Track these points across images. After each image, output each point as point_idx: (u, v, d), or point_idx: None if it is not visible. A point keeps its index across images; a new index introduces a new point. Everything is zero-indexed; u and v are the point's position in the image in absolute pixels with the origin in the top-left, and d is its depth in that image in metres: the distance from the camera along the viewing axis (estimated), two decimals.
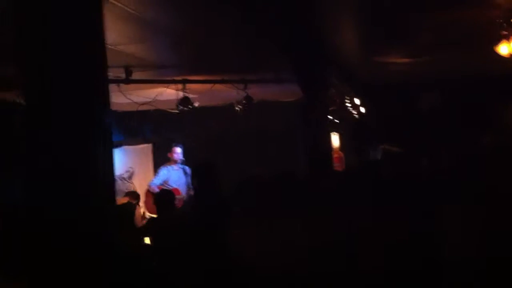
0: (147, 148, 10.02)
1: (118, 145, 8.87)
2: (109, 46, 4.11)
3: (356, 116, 9.51)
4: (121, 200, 7.52)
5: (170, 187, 7.83)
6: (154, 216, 7.74)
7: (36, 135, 2.74)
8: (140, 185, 9.35)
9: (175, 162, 8.10)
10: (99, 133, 2.81)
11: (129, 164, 9.67)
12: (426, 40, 6.38)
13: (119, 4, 4.21)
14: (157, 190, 7.89)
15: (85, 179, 2.74)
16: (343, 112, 9.06)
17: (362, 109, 9.40)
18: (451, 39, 6.32)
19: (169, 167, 8.17)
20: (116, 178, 8.94)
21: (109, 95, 2.97)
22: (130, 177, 9.78)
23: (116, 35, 4.86)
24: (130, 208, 7.27)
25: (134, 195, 7.59)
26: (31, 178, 2.78)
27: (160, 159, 9.02)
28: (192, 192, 7.58)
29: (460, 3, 5.22)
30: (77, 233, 2.65)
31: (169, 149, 8.30)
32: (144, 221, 7.77)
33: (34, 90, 2.71)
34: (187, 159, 8.09)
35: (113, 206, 2.96)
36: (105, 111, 2.88)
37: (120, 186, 9.12)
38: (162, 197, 6.09)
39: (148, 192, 8.14)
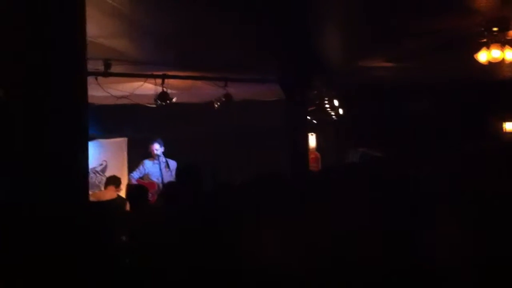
0: (122, 142, 9.90)
1: (92, 138, 8.75)
2: (89, 39, 4.02)
3: (334, 117, 9.54)
4: (105, 191, 7.43)
5: (149, 180, 7.85)
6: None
7: (11, 126, 2.67)
8: None
9: (154, 157, 8.08)
10: (76, 126, 2.76)
11: (103, 158, 9.56)
12: (410, 46, 6.41)
13: None
14: (135, 183, 7.88)
15: (60, 171, 2.69)
16: (321, 113, 9.09)
17: (341, 111, 9.44)
18: (435, 45, 6.36)
19: (148, 161, 8.17)
20: (90, 171, 8.86)
21: (87, 87, 2.92)
22: (103, 170, 9.67)
23: (96, 27, 4.76)
24: (121, 203, 7.21)
25: (116, 180, 7.51)
26: (4, 172, 2.72)
27: (135, 153, 8.94)
28: (162, 187, 7.58)
29: (444, 10, 5.25)
30: (50, 228, 2.59)
31: (145, 144, 8.25)
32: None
33: (11, 81, 2.64)
34: (168, 154, 8.06)
35: (104, 202, 2.90)
36: (83, 104, 2.83)
37: (93, 179, 9.04)
38: (134, 193, 6.04)
39: (129, 185, 8.11)
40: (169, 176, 7.83)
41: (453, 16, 5.41)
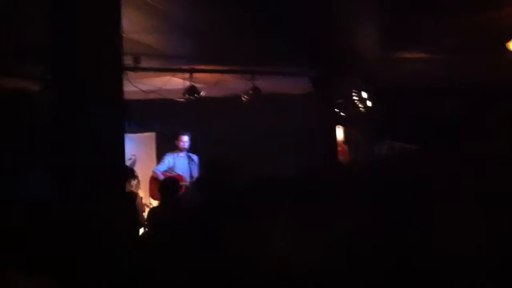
0: (150, 136, 9.98)
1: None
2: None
3: (363, 110, 9.45)
4: None
5: (174, 173, 7.83)
6: (156, 203, 7.75)
7: (50, 123, 2.71)
8: (142, 173, 9.32)
9: (181, 150, 8.10)
10: (113, 119, 2.79)
11: (132, 152, 9.63)
12: (443, 41, 6.32)
13: None
14: (161, 176, 7.91)
15: (97, 166, 2.72)
16: (349, 106, 9.01)
17: (369, 103, 9.34)
18: (470, 41, 6.26)
19: (174, 154, 8.19)
20: None
21: (122, 82, 2.95)
22: (132, 165, 9.74)
23: (126, 22, 4.78)
24: (130, 197, 7.24)
25: (131, 172, 7.52)
26: (42, 167, 2.76)
27: (164, 147, 8.99)
28: (195, 180, 7.61)
29: (481, 4, 5.16)
30: (89, 222, 2.62)
31: (173, 138, 8.29)
32: (147, 208, 7.78)
33: (52, 78, 2.67)
34: (193, 148, 8.07)
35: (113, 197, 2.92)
36: (119, 99, 2.85)
37: None
38: (168, 185, 6.08)
39: (152, 179, 8.17)
40: (194, 170, 7.87)
41: (489, 6, 5.31)
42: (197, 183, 7.34)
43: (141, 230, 5.98)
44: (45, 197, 2.79)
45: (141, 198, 7.97)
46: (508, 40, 5.99)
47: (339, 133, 9.75)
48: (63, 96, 2.63)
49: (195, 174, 7.86)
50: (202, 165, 7.69)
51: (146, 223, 6.20)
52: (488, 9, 5.35)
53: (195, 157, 8.00)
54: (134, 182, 8.43)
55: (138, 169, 9.54)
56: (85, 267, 2.53)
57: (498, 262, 2.89)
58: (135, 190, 7.39)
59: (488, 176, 3.62)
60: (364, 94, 8.89)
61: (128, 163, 9.68)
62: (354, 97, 8.73)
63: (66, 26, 2.59)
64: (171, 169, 8.14)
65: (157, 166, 8.35)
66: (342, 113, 9.19)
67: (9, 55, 4.25)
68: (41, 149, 2.85)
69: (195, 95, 7.38)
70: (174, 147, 8.26)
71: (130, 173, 7.54)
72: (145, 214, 7.72)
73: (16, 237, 2.44)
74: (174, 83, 7.41)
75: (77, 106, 2.64)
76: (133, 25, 4.89)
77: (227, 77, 7.61)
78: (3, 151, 5.78)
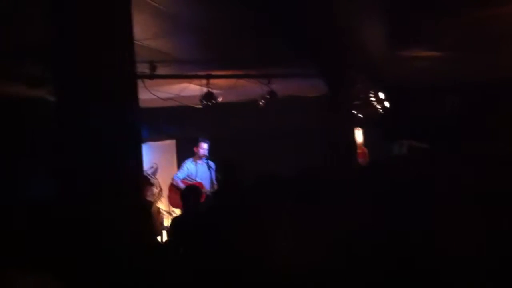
0: (171, 144, 10.06)
1: (143, 141, 8.90)
2: (135, 41, 4.10)
3: (381, 111, 9.39)
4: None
5: (193, 181, 7.87)
6: (177, 210, 7.79)
7: (64, 131, 2.74)
8: (163, 181, 9.40)
9: (200, 157, 8.14)
10: (129, 130, 2.81)
11: (153, 160, 9.72)
12: (455, 39, 6.28)
13: None
14: (180, 183, 7.96)
15: (115, 175, 2.74)
16: (367, 107, 8.96)
17: (387, 104, 9.29)
18: (481, 39, 6.21)
19: (193, 161, 8.23)
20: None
21: (138, 91, 2.98)
22: (154, 173, 9.82)
23: (141, 29, 4.85)
24: (145, 206, 7.29)
25: (146, 180, 7.57)
26: (57, 173, 2.78)
27: (184, 155, 9.05)
28: (216, 187, 7.63)
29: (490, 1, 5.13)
30: (103, 229, 2.64)
31: (193, 145, 8.34)
32: (162, 215, 7.83)
33: (63, 86, 2.71)
34: (211, 155, 8.11)
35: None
36: (134, 107, 2.88)
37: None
38: (190, 192, 6.06)
39: (172, 186, 8.22)
40: (212, 177, 7.87)
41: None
42: (216, 189, 7.39)
43: (160, 239, 5.99)
44: (51, 199, 2.83)
45: (158, 207, 8.05)
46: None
47: (359, 135, 9.71)
48: (74, 100, 2.67)
49: (213, 181, 7.87)
50: (217, 168, 7.72)
51: (168, 231, 6.21)
52: (490, 6, 5.31)
53: (212, 164, 8.03)
54: (155, 191, 8.52)
55: (159, 177, 9.66)
56: (87, 269, 2.56)
57: (499, 262, 2.87)
58: (151, 199, 7.47)
59: (491, 176, 3.59)
60: (382, 95, 8.85)
61: (149, 171, 9.81)
62: (372, 98, 8.69)
63: (74, 30, 2.64)
64: (190, 176, 8.17)
65: (176, 173, 8.39)
66: (360, 115, 9.16)
67: (11, 57, 4.33)
68: (48, 153, 2.89)
69: (212, 101, 7.44)
70: (193, 154, 8.31)
71: (146, 181, 7.62)
72: (164, 222, 7.83)
73: (18, 239, 2.48)
74: (191, 89, 7.48)
75: (87, 111, 2.67)
76: (145, 32, 4.96)
77: (243, 81, 7.65)
78: (8, 153, 5.89)
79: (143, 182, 7.50)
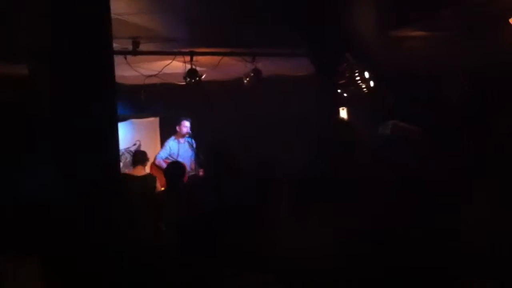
0: (154, 121, 9.96)
1: (125, 118, 8.81)
2: (116, 16, 3.99)
3: (366, 90, 9.36)
4: (134, 170, 7.46)
5: (174, 159, 7.79)
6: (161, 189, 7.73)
7: (40, 107, 2.68)
8: None
9: (183, 135, 8.07)
10: (104, 107, 2.75)
11: (136, 138, 9.64)
12: (448, 19, 6.23)
13: None
14: (163, 163, 7.87)
15: (90, 154, 2.69)
16: (352, 86, 8.92)
17: (372, 83, 9.25)
18: (475, 22, 6.16)
19: (175, 140, 8.15)
20: (124, 151, 8.94)
21: (114, 67, 2.90)
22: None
23: (124, 4, 4.74)
24: (151, 180, 7.22)
25: (143, 157, 7.51)
26: (35, 155, 2.73)
27: (167, 132, 8.97)
28: (195, 166, 7.55)
29: None
30: (83, 209, 2.60)
31: (176, 123, 8.25)
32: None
33: (40, 60, 2.63)
34: (194, 133, 8.04)
35: (135, 181, 2.88)
36: (110, 84, 2.81)
37: (128, 159, 9.11)
38: (174, 170, 5.99)
39: (153, 165, 8.13)
40: (192, 155, 7.79)
41: None
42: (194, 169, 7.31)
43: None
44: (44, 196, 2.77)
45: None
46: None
47: (343, 114, 9.69)
48: (53, 81, 2.60)
49: (193, 160, 7.78)
50: (204, 152, 7.65)
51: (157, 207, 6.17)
52: None
53: (193, 143, 7.92)
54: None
55: None
56: (86, 267, 2.53)
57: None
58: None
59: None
60: (367, 74, 8.80)
61: (132, 148, 9.72)
62: (357, 77, 8.65)
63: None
64: (172, 155, 8.08)
65: (159, 153, 8.29)
66: (345, 94, 9.13)
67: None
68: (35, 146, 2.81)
69: (196, 78, 7.34)
70: (175, 133, 8.22)
71: (145, 157, 7.54)
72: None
73: (19, 237, 2.45)
74: (174, 66, 7.37)
75: (64, 94, 2.60)
76: (129, 7, 4.84)
77: (228, 59, 7.56)
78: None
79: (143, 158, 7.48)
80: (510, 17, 5.93)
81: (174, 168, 6.01)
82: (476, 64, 8.27)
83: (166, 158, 8.03)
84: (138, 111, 9.34)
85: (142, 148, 9.54)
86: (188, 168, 7.76)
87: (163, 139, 9.09)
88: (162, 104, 9.36)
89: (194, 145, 7.88)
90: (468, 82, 8.80)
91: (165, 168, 6.38)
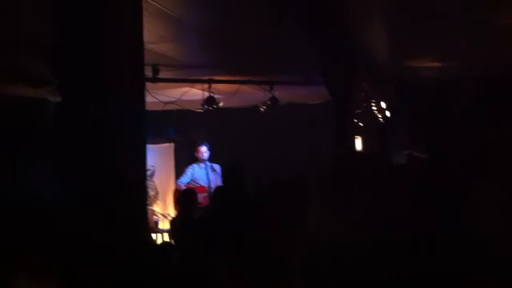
0: (169, 147, 10.00)
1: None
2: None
3: (382, 120, 9.38)
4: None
5: (197, 185, 7.86)
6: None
7: (69, 131, 2.71)
8: (161, 184, 9.39)
9: (201, 160, 8.13)
10: (135, 131, 2.79)
11: (151, 163, 9.66)
12: (459, 45, 6.27)
13: (151, 1, 4.17)
14: (184, 188, 7.93)
15: (118, 177, 2.71)
16: (368, 116, 8.94)
17: (388, 113, 9.27)
18: (484, 44, 6.20)
19: (195, 165, 8.22)
20: None
21: (145, 93, 2.95)
22: (151, 176, 9.78)
23: (146, 32, 4.80)
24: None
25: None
26: (60, 174, 2.75)
27: (182, 158, 9.00)
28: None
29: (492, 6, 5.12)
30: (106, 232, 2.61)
31: (191, 149, 8.31)
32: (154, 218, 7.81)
33: (69, 86, 2.68)
34: (213, 158, 8.09)
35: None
36: (141, 110, 2.85)
37: None
38: (183, 196, 6.15)
39: (176, 191, 8.19)
40: (217, 179, 7.87)
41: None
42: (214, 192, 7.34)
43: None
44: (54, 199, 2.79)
45: (152, 209, 8.01)
46: None
47: (358, 143, 9.69)
48: (79, 100, 2.64)
49: (218, 184, 7.84)
50: (222, 173, 7.68)
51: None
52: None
53: (217, 167, 8.01)
54: (151, 194, 8.45)
55: (156, 180, 9.61)
56: (89, 269, 2.54)
57: None
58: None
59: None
60: (383, 104, 8.83)
61: (147, 174, 9.76)
62: (373, 107, 8.68)
63: (86, 31, 2.60)
64: (193, 180, 8.17)
65: (180, 178, 8.37)
66: (360, 123, 9.14)
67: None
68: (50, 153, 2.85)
69: (214, 105, 7.41)
70: (194, 159, 8.29)
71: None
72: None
73: (22, 239, 2.46)
74: (192, 93, 7.44)
75: (96, 114, 2.64)
76: (149, 35, 4.91)
77: (245, 87, 7.62)
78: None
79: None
80: None
81: (185, 194, 6.17)
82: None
83: (188, 183, 8.10)
84: (154, 137, 9.40)
85: (157, 173, 9.58)
86: (209, 191, 7.80)
87: (178, 165, 9.12)
88: (178, 130, 9.43)
89: (217, 169, 7.94)
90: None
91: (177, 196, 6.49)
